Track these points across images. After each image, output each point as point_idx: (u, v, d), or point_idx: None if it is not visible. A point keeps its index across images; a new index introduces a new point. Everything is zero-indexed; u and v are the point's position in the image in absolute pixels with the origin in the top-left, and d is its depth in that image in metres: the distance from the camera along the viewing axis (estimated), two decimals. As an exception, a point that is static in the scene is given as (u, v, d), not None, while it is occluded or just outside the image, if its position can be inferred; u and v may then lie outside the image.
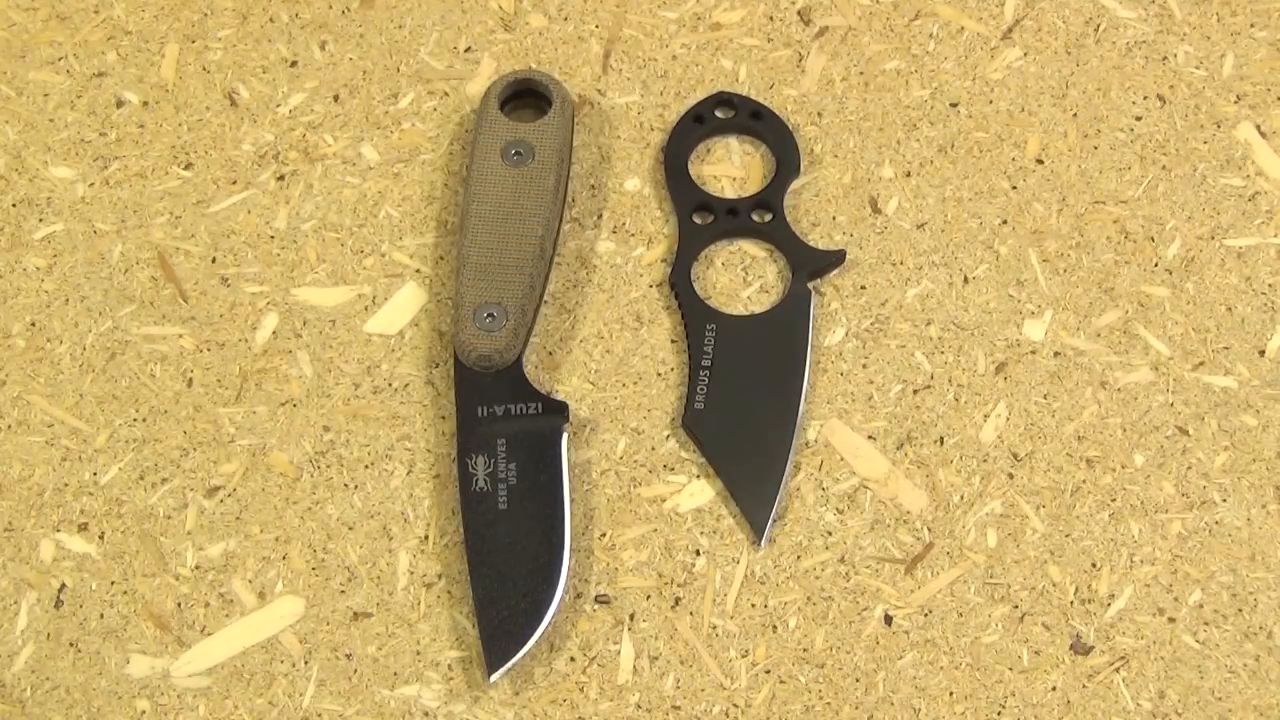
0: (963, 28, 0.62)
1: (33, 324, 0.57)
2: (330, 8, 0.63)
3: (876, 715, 0.50)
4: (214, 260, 0.58)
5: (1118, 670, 0.51)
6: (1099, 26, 0.62)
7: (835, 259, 0.57)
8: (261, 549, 0.53)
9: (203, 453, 0.54)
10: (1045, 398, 0.55)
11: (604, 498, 0.53)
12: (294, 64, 0.62)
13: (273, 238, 0.58)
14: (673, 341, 0.56)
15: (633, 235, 0.58)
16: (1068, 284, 0.57)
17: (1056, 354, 0.56)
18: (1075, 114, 0.60)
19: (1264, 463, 0.54)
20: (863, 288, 0.57)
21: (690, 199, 0.58)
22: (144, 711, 0.50)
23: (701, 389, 0.54)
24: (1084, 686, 0.50)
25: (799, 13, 0.63)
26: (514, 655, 0.49)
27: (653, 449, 0.54)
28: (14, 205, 0.59)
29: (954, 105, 0.60)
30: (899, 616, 0.51)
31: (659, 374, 0.55)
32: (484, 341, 0.53)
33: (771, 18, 0.62)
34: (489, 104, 0.58)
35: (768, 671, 0.51)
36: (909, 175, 0.59)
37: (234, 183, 0.59)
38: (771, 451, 0.53)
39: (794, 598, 0.52)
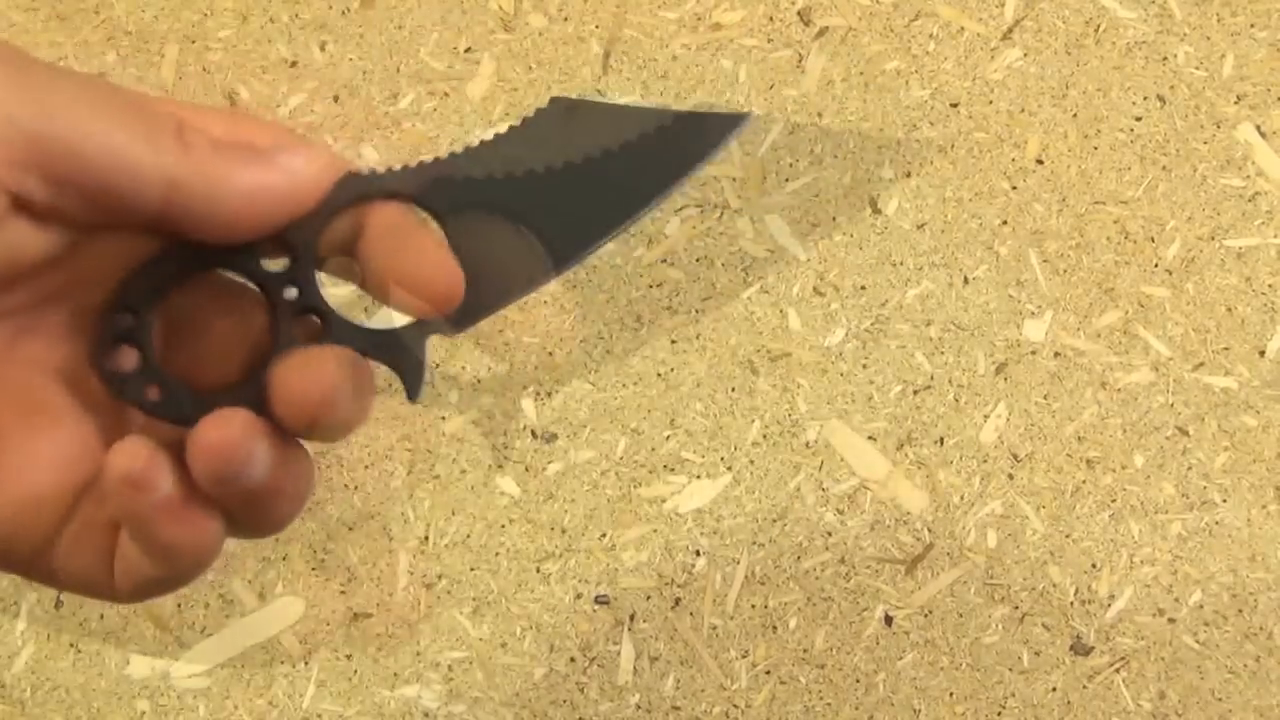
0: (963, 28, 0.62)
1: (33, 324, 0.57)
2: (330, 8, 0.63)
3: (877, 716, 0.50)
4: (214, 260, 0.58)
5: (1118, 671, 0.51)
6: (1099, 27, 0.62)
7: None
8: (261, 549, 0.53)
9: (203, 453, 0.54)
10: (1045, 398, 0.55)
11: (604, 498, 0.53)
12: (294, 64, 0.62)
13: (273, 238, 0.58)
14: (673, 342, 0.56)
15: (633, 235, 0.58)
16: (1068, 284, 0.57)
17: (1056, 354, 0.56)
18: (1075, 114, 0.60)
19: (1264, 463, 0.54)
20: (863, 288, 0.57)
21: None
22: (144, 712, 0.50)
23: None
24: (1084, 687, 0.50)
25: (799, 13, 0.63)
26: None
27: (653, 449, 0.54)
28: (14, 205, 0.59)
29: (954, 105, 0.61)
30: (899, 617, 0.51)
31: (659, 374, 0.55)
32: None
33: (771, 18, 0.62)
34: None
35: (768, 672, 0.51)
36: (909, 175, 0.59)
37: (234, 183, 0.59)
38: None
39: (794, 598, 0.52)
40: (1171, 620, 0.51)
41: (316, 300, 0.35)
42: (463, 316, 0.36)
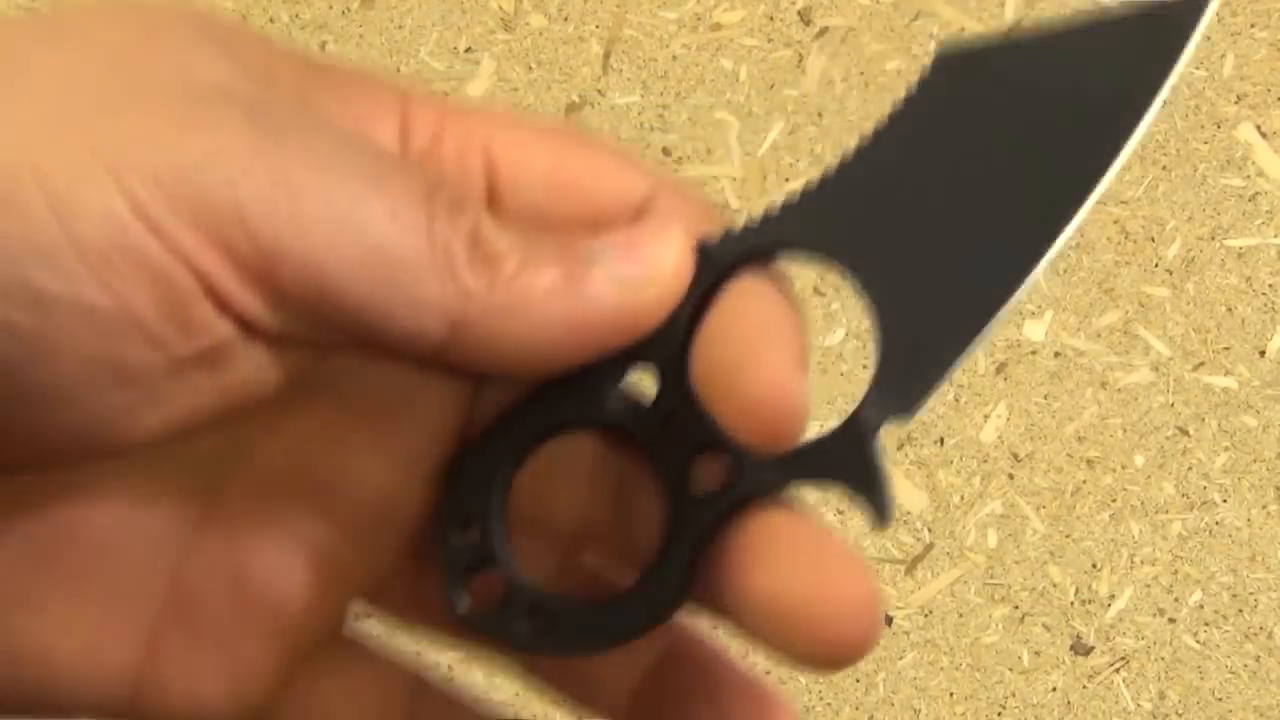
0: (963, 28, 0.62)
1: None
2: (330, 8, 0.63)
3: (877, 716, 0.50)
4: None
5: (1118, 671, 0.51)
6: (1099, 26, 0.62)
7: None
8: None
9: (203, 453, 0.54)
10: (1045, 398, 0.55)
11: (604, 498, 0.53)
12: (294, 64, 0.62)
13: (273, 238, 0.58)
14: (673, 342, 0.56)
15: (633, 235, 0.58)
16: (1068, 284, 0.57)
17: (1057, 354, 0.56)
18: (1075, 114, 0.60)
19: (1264, 463, 0.54)
20: (863, 288, 0.57)
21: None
22: (144, 712, 0.50)
23: None
24: (1084, 687, 0.50)
25: (799, 13, 0.63)
26: None
27: (653, 449, 0.54)
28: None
29: (954, 105, 0.61)
30: (899, 617, 0.51)
31: (659, 374, 0.55)
32: None
33: (771, 18, 0.62)
34: None
35: (768, 672, 0.51)
36: (909, 175, 0.59)
37: (234, 183, 0.59)
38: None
39: (794, 598, 0.52)
40: (1171, 620, 0.51)
41: (707, 428, 0.23)
42: (911, 396, 0.23)
